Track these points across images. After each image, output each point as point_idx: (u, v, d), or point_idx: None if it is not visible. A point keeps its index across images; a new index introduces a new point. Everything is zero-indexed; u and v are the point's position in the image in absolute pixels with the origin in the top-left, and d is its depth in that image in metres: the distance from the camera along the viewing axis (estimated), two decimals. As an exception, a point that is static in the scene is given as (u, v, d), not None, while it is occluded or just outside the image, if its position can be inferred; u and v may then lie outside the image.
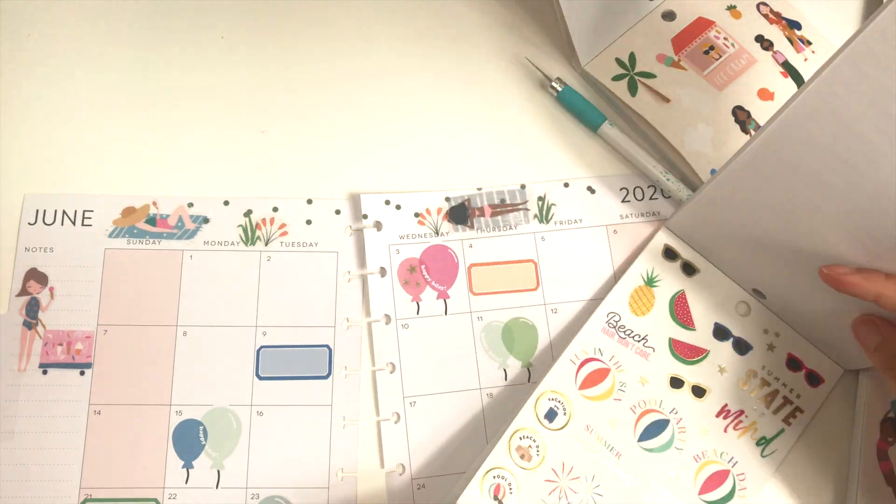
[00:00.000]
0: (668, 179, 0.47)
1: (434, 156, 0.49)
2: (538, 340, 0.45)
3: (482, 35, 0.52)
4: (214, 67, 0.50)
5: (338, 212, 0.47)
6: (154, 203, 0.47)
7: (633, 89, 0.49)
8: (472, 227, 0.47)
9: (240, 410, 0.44)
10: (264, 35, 0.51)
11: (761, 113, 0.48)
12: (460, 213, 0.47)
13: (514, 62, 0.51)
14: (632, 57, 0.50)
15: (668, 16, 0.51)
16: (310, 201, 0.47)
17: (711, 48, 0.50)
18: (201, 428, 0.43)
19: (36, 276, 0.45)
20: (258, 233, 0.46)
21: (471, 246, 0.47)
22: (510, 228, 0.47)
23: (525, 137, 0.49)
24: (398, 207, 0.47)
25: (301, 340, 0.45)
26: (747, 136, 0.48)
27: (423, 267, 0.46)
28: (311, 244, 0.46)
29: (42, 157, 0.47)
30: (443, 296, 0.46)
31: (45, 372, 0.44)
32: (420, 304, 0.45)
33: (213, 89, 0.49)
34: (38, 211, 0.46)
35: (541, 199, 0.47)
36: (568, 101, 0.50)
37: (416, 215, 0.47)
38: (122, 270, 0.45)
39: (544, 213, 0.47)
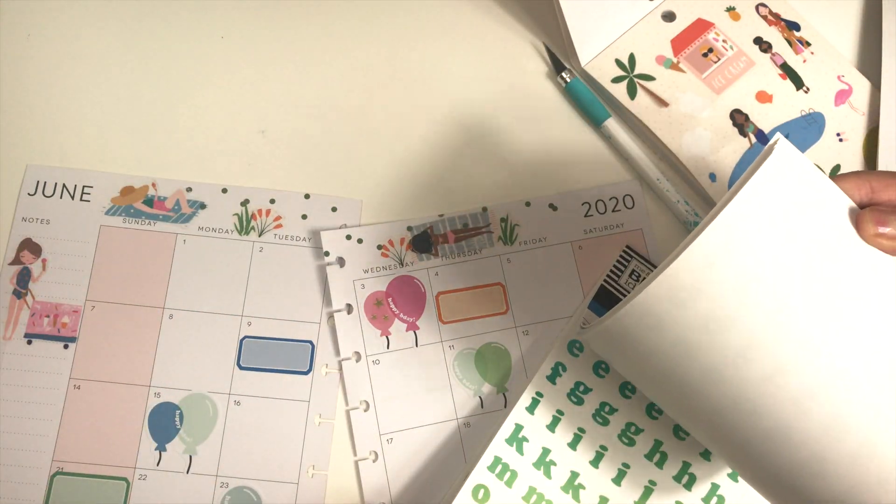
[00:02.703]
0: (658, 181, 0.47)
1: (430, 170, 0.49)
2: (511, 364, 0.45)
3: (500, 23, 0.52)
4: (217, 62, 0.50)
5: (334, 209, 0.47)
6: (153, 185, 0.47)
7: (632, 92, 0.49)
8: (436, 254, 0.46)
9: (217, 398, 0.44)
10: (265, 29, 0.51)
11: (760, 116, 0.48)
12: (423, 242, 0.46)
13: (521, 52, 0.51)
14: (631, 58, 0.50)
15: (668, 16, 0.51)
16: (307, 196, 0.47)
17: (710, 50, 0.50)
18: (178, 412, 0.43)
19: (30, 247, 0.45)
20: (253, 223, 0.47)
21: (437, 274, 0.46)
22: (475, 253, 0.46)
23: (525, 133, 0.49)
24: (360, 241, 0.46)
25: (285, 334, 0.45)
26: (745, 140, 0.48)
27: (389, 300, 0.45)
28: (304, 238, 0.46)
29: (47, 131, 0.48)
30: (412, 327, 0.45)
31: (29, 342, 0.44)
32: (389, 337, 0.45)
33: (214, 86, 0.50)
34: (38, 182, 0.47)
35: (503, 220, 0.47)
36: (575, 94, 0.49)
37: (379, 248, 0.46)
38: (116, 248, 0.46)
39: (508, 234, 0.47)
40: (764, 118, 0.48)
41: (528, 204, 0.47)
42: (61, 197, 0.46)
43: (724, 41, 0.50)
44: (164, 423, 0.43)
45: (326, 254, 0.45)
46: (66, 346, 0.44)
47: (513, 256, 0.46)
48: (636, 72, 0.49)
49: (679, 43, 0.50)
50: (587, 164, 0.49)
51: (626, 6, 0.50)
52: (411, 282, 0.46)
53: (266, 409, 0.44)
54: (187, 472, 0.43)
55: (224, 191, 0.47)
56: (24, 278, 0.45)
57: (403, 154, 0.49)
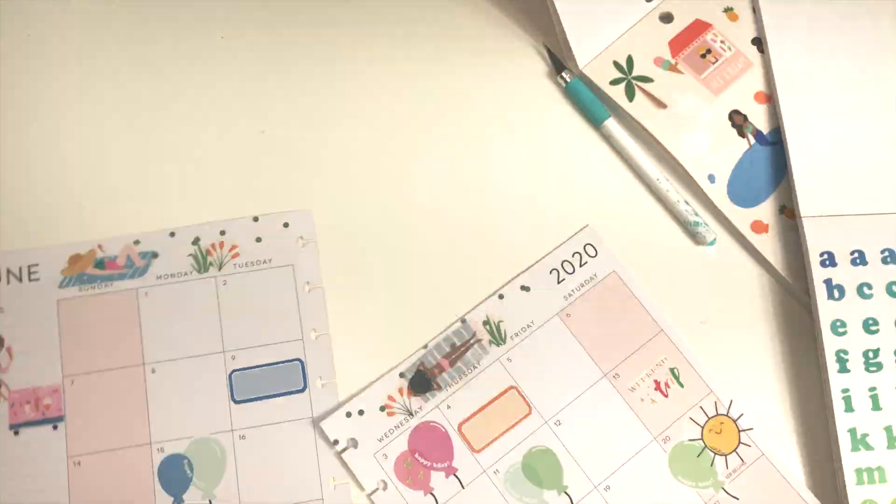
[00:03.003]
0: (658, 181, 0.48)
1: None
2: (559, 460, 0.43)
3: (499, 24, 0.52)
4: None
5: (286, 225, 0.47)
6: (99, 246, 0.46)
7: (630, 94, 0.49)
8: (438, 387, 0.44)
9: (222, 437, 0.43)
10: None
11: (758, 117, 0.49)
12: (422, 382, 0.44)
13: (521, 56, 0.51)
14: (629, 60, 0.50)
15: (666, 17, 0.51)
16: (256, 219, 0.47)
17: (708, 51, 0.50)
18: (185, 461, 0.43)
19: None
20: (210, 258, 0.46)
21: (449, 407, 0.44)
22: (475, 367, 0.45)
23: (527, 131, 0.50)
24: (361, 413, 0.44)
25: (272, 358, 0.45)
26: (744, 141, 0.48)
27: (416, 455, 0.43)
28: (264, 261, 0.46)
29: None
30: (450, 471, 0.43)
31: (16, 433, 0.43)
32: (434, 492, 0.43)
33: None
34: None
35: (486, 322, 0.45)
36: (575, 94, 0.50)
37: (383, 409, 0.44)
38: (79, 318, 0.45)
39: (497, 334, 0.45)
40: (762, 119, 0.49)
41: (501, 297, 0.46)
42: (9, 282, 0.45)
43: (722, 42, 0.50)
44: (175, 475, 0.43)
45: (335, 442, 0.43)
46: (55, 427, 0.43)
47: (511, 353, 0.45)
48: (634, 74, 0.49)
49: (677, 44, 0.50)
50: (587, 165, 0.49)
51: (623, 8, 0.50)
52: (429, 427, 0.44)
53: (272, 435, 0.44)
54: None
55: (172, 234, 0.46)
56: (-10, 369, 0.44)
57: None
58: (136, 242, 0.46)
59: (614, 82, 0.50)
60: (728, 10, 0.51)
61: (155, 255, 0.46)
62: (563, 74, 0.50)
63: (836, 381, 0.43)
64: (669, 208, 0.48)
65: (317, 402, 0.44)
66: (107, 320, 0.45)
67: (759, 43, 0.51)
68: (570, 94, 0.50)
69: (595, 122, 0.50)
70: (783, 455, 0.44)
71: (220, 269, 0.46)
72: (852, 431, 0.42)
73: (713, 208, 0.48)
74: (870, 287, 0.44)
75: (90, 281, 0.45)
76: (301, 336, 0.45)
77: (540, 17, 0.52)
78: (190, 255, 0.46)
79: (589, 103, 0.49)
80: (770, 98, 0.49)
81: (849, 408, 0.43)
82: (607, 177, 0.49)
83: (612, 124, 0.49)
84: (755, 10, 0.51)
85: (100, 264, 0.46)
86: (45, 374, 0.44)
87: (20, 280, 0.45)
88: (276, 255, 0.46)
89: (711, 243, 0.48)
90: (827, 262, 0.45)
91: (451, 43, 0.51)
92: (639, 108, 0.49)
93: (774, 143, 0.49)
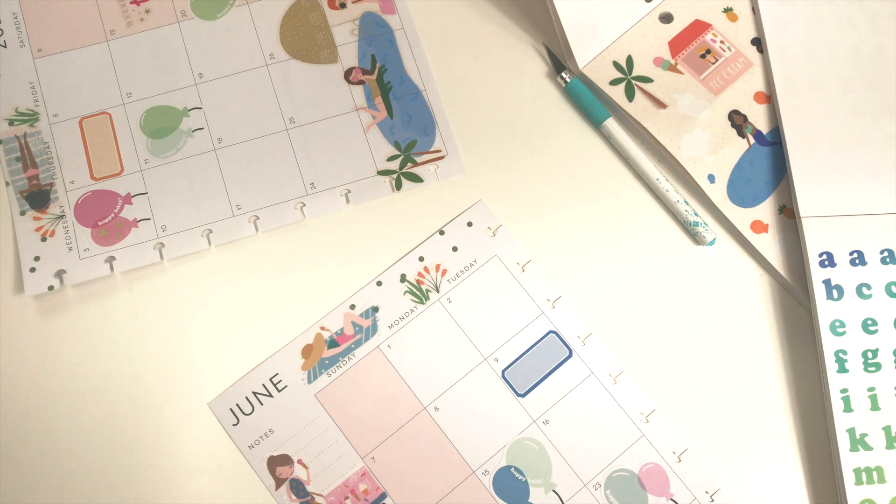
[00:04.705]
0: (658, 181, 0.48)
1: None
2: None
3: (499, 25, 0.52)
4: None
5: (469, 224, 0.48)
6: (322, 328, 0.46)
7: (630, 94, 0.49)
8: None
9: (530, 432, 0.44)
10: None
11: (758, 117, 0.49)
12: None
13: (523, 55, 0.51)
14: (629, 60, 0.50)
15: (666, 18, 0.51)
16: (442, 232, 0.48)
17: (708, 52, 0.50)
18: (512, 469, 0.44)
19: (278, 461, 0.45)
20: (424, 287, 0.47)
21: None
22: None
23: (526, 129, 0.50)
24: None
25: (527, 343, 0.46)
26: (744, 141, 0.49)
27: None
28: (470, 264, 0.47)
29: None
30: None
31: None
32: None
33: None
34: (231, 409, 0.45)
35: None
36: (575, 94, 0.50)
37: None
38: (343, 400, 0.45)
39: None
40: (762, 119, 0.49)
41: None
42: (261, 403, 0.45)
43: (721, 42, 0.50)
44: (511, 485, 0.44)
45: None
46: (383, 505, 0.44)
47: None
48: (634, 74, 0.50)
49: (677, 44, 0.50)
50: (587, 165, 0.49)
51: (622, 8, 0.50)
52: None
53: (570, 403, 0.45)
54: (567, 501, 0.44)
55: (379, 283, 0.47)
56: (299, 488, 0.44)
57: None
58: (353, 307, 0.46)
59: (614, 82, 0.50)
60: (728, 10, 0.51)
61: (375, 309, 0.46)
62: (563, 74, 0.50)
63: (835, 381, 0.43)
64: (669, 208, 0.48)
65: (588, 359, 0.45)
66: (368, 388, 0.45)
67: (758, 43, 0.51)
68: (570, 94, 0.50)
69: (595, 122, 0.50)
70: (783, 454, 0.44)
71: (437, 290, 0.46)
72: (851, 431, 0.43)
73: (713, 208, 0.48)
74: (869, 287, 0.45)
75: (332, 363, 0.46)
76: (539, 310, 0.46)
77: (540, 17, 0.52)
78: (406, 293, 0.46)
79: (589, 103, 0.49)
80: (770, 98, 0.49)
81: (848, 408, 0.43)
82: (607, 177, 0.49)
83: (612, 124, 0.49)
84: (755, 10, 0.51)
85: (332, 343, 0.46)
86: (344, 465, 0.44)
87: (271, 395, 0.45)
88: (478, 254, 0.47)
89: (711, 243, 0.48)
90: (826, 263, 0.45)
91: (451, 42, 0.51)
92: (639, 108, 0.49)
93: (774, 143, 0.49)
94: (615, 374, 0.45)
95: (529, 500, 0.43)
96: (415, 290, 0.46)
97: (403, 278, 0.47)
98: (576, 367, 0.45)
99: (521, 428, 0.44)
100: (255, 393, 0.45)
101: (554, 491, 0.44)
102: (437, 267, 0.47)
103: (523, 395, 0.45)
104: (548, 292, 0.47)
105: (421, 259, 0.47)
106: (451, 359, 0.45)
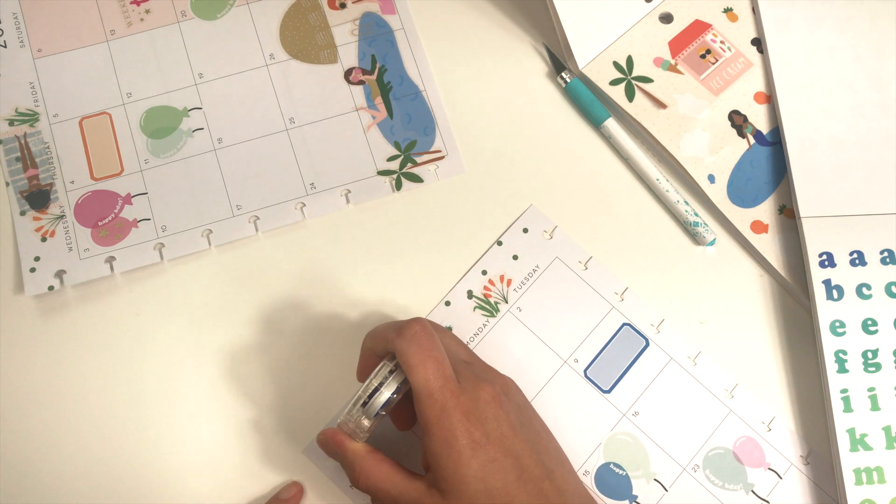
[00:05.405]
0: (658, 181, 0.48)
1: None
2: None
3: (499, 25, 0.52)
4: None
5: (525, 230, 0.47)
6: None
7: (630, 94, 0.49)
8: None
9: (622, 426, 0.44)
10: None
11: (758, 117, 0.49)
12: None
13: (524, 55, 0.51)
14: (629, 60, 0.50)
15: (666, 18, 0.51)
16: (500, 243, 0.47)
17: (708, 52, 0.50)
18: (611, 465, 0.44)
19: None
20: (492, 300, 0.46)
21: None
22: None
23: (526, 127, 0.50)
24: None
25: (604, 339, 0.46)
26: (744, 141, 0.49)
27: None
28: (533, 270, 0.47)
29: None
30: None
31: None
32: None
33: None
34: None
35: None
36: (575, 94, 0.50)
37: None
38: None
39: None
40: (762, 120, 0.49)
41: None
42: None
43: (721, 42, 0.50)
44: (614, 481, 0.44)
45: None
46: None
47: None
48: (634, 74, 0.49)
49: (677, 44, 0.50)
50: (587, 165, 0.49)
51: (622, 8, 0.50)
52: None
53: (655, 392, 0.45)
54: (670, 487, 0.44)
55: (448, 303, 0.46)
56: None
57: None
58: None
59: (614, 82, 0.50)
60: (728, 10, 0.51)
61: (450, 328, 0.46)
62: (563, 74, 0.50)
63: (835, 382, 0.43)
64: (669, 208, 0.48)
65: (664, 345, 0.46)
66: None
67: (758, 43, 0.51)
68: (570, 94, 0.50)
69: (595, 123, 0.50)
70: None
71: (506, 301, 0.46)
72: (851, 431, 0.43)
73: (713, 208, 0.48)
74: (869, 287, 0.45)
75: None
76: (610, 304, 0.46)
77: (540, 17, 0.52)
78: (475, 308, 0.46)
79: (589, 103, 0.49)
80: (770, 98, 0.49)
81: (848, 408, 0.43)
82: (607, 177, 0.49)
83: (612, 124, 0.49)
84: (755, 11, 0.51)
85: None
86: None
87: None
88: (539, 259, 0.47)
89: (711, 243, 0.48)
90: (826, 263, 0.45)
91: (451, 43, 0.51)
92: (639, 108, 0.49)
93: (774, 143, 0.49)
94: (693, 356, 0.46)
95: (633, 493, 0.43)
96: (484, 304, 0.46)
97: (470, 294, 0.46)
98: (655, 354, 0.45)
99: (612, 423, 0.44)
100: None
101: (655, 480, 0.43)
102: (502, 278, 0.47)
103: (609, 391, 0.45)
104: (614, 286, 0.47)
105: (484, 272, 0.47)
106: (532, 366, 0.45)
